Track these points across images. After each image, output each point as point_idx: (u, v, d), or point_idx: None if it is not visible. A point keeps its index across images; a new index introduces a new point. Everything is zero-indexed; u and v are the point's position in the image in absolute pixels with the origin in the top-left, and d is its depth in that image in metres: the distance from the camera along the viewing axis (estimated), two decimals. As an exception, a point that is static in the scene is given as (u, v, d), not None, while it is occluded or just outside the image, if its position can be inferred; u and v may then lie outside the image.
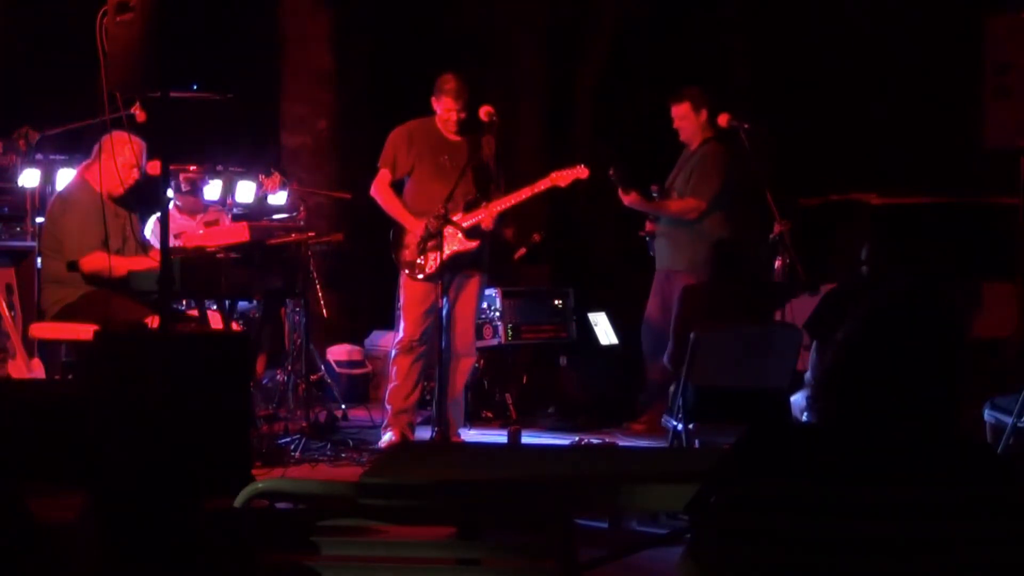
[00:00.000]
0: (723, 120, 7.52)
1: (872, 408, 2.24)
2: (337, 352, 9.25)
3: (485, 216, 6.98)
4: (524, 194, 7.03)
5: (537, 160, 11.50)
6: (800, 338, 5.94)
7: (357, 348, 9.41)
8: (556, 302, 8.64)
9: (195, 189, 8.16)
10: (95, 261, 6.37)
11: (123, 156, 6.36)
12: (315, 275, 7.96)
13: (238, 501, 3.17)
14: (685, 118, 7.85)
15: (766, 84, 12.38)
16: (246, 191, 8.52)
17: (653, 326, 7.86)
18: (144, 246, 6.66)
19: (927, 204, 9.14)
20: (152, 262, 6.05)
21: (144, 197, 6.81)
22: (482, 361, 8.36)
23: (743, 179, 7.70)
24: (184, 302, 6.90)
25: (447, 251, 6.85)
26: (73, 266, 6.48)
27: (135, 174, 6.49)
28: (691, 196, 7.72)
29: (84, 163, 6.69)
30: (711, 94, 7.94)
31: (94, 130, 6.43)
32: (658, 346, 7.68)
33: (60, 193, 6.89)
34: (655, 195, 7.86)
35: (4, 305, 6.73)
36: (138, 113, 6.52)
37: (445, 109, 7.00)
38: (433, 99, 7.04)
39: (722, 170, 7.72)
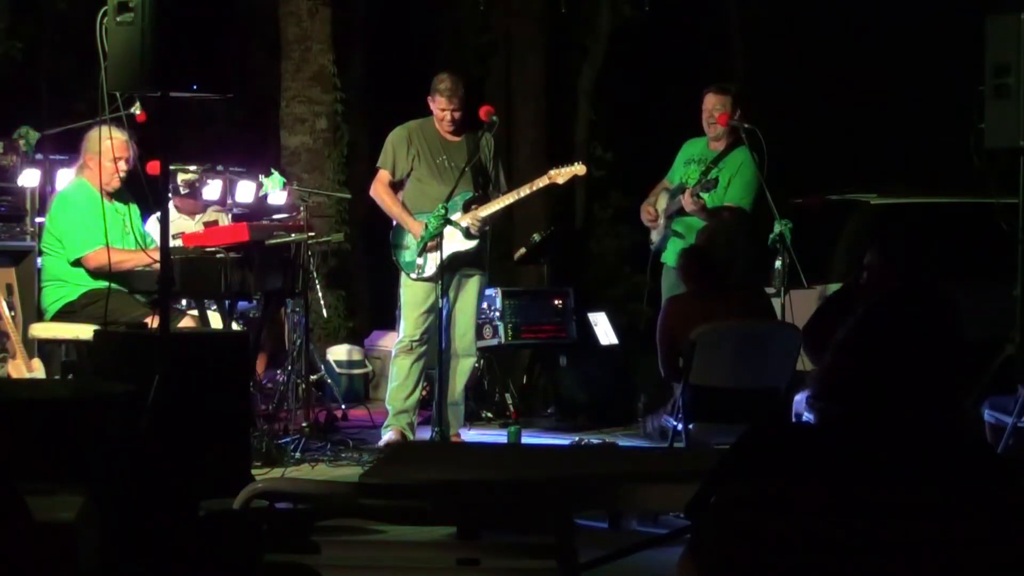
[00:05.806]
0: (723, 120, 7.48)
1: (872, 408, 2.24)
2: (337, 352, 9.25)
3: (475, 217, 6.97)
4: (522, 192, 7.03)
5: (536, 160, 11.52)
6: (800, 338, 5.93)
7: (357, 348, 9.41)
8: (556, 302, 8.63)
9: (194, 192, 8.16)
10: (97, 256, 6.37)
11: (105, 151, 6.31)
12: (315, 275, 7.95)
13: (238, 501, 3.18)
14: (726, 111, 7.25)
15: (765, 84, 12.39)
16: (246, 191, 8.51)
17: None
18: (144, 238, 6.68)
19: (927, 204, 9.13)
20: (152, 257, 6.03)
21: (143, 198, 6.80)
22: (482, 361, 8.36)
23: None
24: (184, 302, 6.90)
25: (446, 250, 6.86)
26: (76, 263, 6.49)
27: (123, 165, 6.50)
28: (736, 202, 7.14)
29: (76, 164, 6.75)
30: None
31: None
32: None
33: (58, 193, 6.92)
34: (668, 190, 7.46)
35: (4, 305, 6.74)
36: (138, 113, 6.52)
37: (440, 108, 7.01)
38: (428, 99, 7.06)
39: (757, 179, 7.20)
